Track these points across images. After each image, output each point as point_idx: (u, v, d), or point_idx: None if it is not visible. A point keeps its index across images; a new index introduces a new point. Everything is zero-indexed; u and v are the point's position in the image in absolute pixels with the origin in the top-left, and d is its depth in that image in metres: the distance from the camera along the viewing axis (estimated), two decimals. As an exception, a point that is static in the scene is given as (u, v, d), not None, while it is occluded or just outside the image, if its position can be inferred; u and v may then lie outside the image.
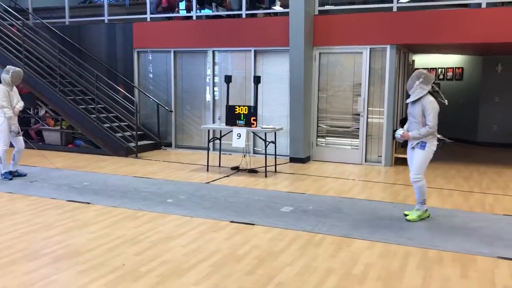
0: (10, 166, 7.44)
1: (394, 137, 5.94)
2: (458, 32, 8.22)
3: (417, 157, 5.44)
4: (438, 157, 9.67)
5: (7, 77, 7.18)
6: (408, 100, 5.45)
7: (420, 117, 5.35)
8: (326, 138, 9.54)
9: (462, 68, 12.12)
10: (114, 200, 6.28)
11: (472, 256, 4.45)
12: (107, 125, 10.08)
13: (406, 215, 5.63)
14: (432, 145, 5.44)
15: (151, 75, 11.06)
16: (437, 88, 5.52)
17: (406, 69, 10.45)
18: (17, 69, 7.38)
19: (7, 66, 7.48)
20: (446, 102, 5.53)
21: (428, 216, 5.62)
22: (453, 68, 12.31)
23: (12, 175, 7.43)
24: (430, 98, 5.35)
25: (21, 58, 10.38)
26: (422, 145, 5.40)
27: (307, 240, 4.84)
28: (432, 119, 5.28)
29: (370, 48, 8.93)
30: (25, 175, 7.56)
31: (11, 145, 7.42)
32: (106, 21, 11.24)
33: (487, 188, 7.25)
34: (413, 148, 5.50)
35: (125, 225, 5.26)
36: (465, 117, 11.73)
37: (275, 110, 9.73)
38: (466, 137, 11.71)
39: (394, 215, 5.76)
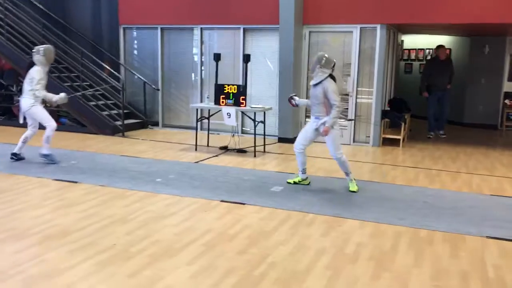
0: (17, 148, 7.05)
1: (292, 103, 6.33)
2: (448, 12, 8.18)
3: (330, 138, 5.74)
4: (426, 138, 9.77)
5: (40, 57, 6.75)
6: (312, 83, 5.79)
7: (322, 98, 5.68)
8: (315, 118, 9.49)
9: (450, 49, 12.12)
10: (102, 179, 6.19)
11: (462, 235, 4.50)
12: (93, 103, 9.90)
13: (289, 182, 6.15)
14: (337, 124, 5.79)
15: (137, 52, 10.86)
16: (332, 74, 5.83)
17: (395, 50, 10.43)
18: (48, 46, 6.98)
19: (35, 47, 7.00)
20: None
21: (308, 184, 6.14)
22: (436, 49, 12.28)
23: (16, 157, 7.06)
24: (330, 80, 5.69)
25: (3, 33, 10.09)
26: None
27: (299, 219, 4.84)
28: (336, 98, 5.64)
29: (360, 28, 8.86)
30: (23, 158, 7.14)
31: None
32: (91, -4, 10.95)
33: (474, 168, 7.32)
34: (317, 129, 5.82)
35: (114, 204, 5.20)
36: (452, 98, 11.77)
37: (264, 90, 9.65)
38: (453, 118, 11.79)
39: (384, 195, 5.79)
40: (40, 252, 3.89)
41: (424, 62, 12.73)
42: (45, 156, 6.95)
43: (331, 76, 5.75)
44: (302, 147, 6.01)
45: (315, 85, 5.73)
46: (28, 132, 7.04)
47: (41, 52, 6.76)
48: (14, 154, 7.06)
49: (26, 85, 6.81)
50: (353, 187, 5.92)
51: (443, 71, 10.02)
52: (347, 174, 5.95)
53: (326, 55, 5.75)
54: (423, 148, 8.83)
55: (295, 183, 6.14)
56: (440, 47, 10.20)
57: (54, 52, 7.01)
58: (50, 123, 6.90)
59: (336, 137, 5.77)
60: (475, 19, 8.10)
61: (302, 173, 6.13)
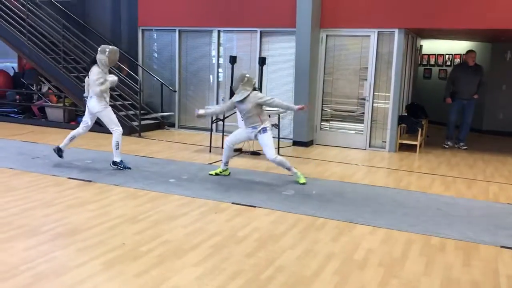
0: (63, 143, 6.84)
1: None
2: (470, 17, 8.05)
3: (268, 141, 6.24)
4: (442, 144, 9.62)
5: (104, 58, 6.43)
6: (236, 99, 6.24)
7: (254, 110, 6.18)
8: (330, 122, 9.46)
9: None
10: (115, 178, 6.24)
11: (475, 244, 4.41)
12: (111, 103, 9.95)
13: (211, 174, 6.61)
14: (269, 126, 6.31)
15: (155, 54, 10.95)
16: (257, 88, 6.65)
17: (413, 54, 10.31)
18: (113, 47, 6.59)
19: (102, 45, 6.61)
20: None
21: (229, 174, 6.63)
22: (460, 54, 12.12)
23: (59, 153, 6.84)
24: (255, 92, 6.26)
25: (24, 33, 10.27)
26: (264, 130, 6.23)
27: (309, 224, 4.80)
28: (268, 97, 6.29)
29: (378, 32, 8.78)
30: (61, 157, 6.87)
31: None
32: (111, -2, 11.10)
33: (491, 176, 7.18)
34: (256, 136, 6.32)
35: (126, 204, 5.23)
36: (472, 105, 11.59)
37: (279, 93, 9.62)
38: (472, 124, 11.59)
39: (397, 201, 5.71)
40: (50, 250, 3.93)
41: (444, 67, 12.58)
42: (117, 163, 6.70)
43: (255, 89, 6.32)
44: (232, 144, 6.56)
45: (241, 101, 6.20)
46: (79, 130, 6.81)
47: (106, 53, 6.43)
48: (58, 149, 6.83)
49: (92, 86, 6.50)
50: (301, 179, 6.31)
51: (471, 78, 9.25)
52: (289, 169, 6.33)
53: (247, 75, 6.26)
54: (440, 155, 8.70)
55: (216, 174, 6.61)
56: (469, 52, 9.43)
57: (118, 54, 6.66)
58: (117, 127, 6.67)
59: (270, 139, 6.26)
60: (496, 25, 7.96)
61: (225, 164, 6.61)
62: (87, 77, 6.72)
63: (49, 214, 4.81)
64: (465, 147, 9.48)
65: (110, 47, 6.58)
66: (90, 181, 6.10)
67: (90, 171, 6.56)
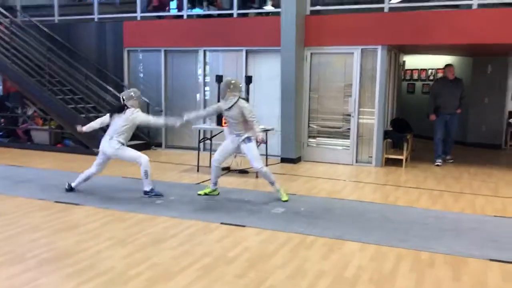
0: (76, 182, 6.60)
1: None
2: (449, 33, 8.22)
3: (252, 150, 6.26)
4: (429, 158, 9.71)
5: (135, 102, 6.39)
6: (225, 107, 6.25)
7: (240, 118, 6.20)
8: (317, 138, 9.51)
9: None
10: (103, 201, 6.19)
11: (464, 258, 4.43)
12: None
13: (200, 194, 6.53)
14: (253, 136, 6.29)
15: (141, 74, 10.96)
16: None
17: (397, 70, 10.46)
18: (133, 89, 6.67)
19: (125, 92, 6.67)
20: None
21: (218, 194, 6.57)
22: (443, 69, 12.32)
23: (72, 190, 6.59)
24: (242, 101, 6.27)
25: (8, 56, 10.23)
26: (249, 139, 6.25)
27: (299, 242, 4.80)
28: (252, 114, 6.21)
29: (361, 49, 8.91)
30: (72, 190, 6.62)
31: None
32: (96, 20, 11.13)
33: (477, 189, 7.26)
34: (238, 146, 6.34)
35: (114, 227, 5.18)
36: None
37: (266, 110, 9.67)
38: (456, 138, 11.73)
39: (386, 216, 5.74)
40: (36, 276, 3.86)
41: (427, 82, 12.76)
42: (149, 192, 6.43)
43: (242, 98, 6.37)
44: (219, 163, 6.48)
45: (229, 108, 6.22)
46: (92, 170, 6.54)
47: (134, 97, 6.38)
48: (70, 188, 6.59)
49: (117, 129, 6.34)
50: (284, 197, 6.29)
51: (452, 91, 9.19)
52: (272, 183, 6.34)
53: (233, 81, 6.33)
54: (426, 169, 8.78)
55: (205, 194, 6.54)
56: (447, 66, 9.45)
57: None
58: (141, 159, 6.40)
59: (256, 148, 6.30)
60: (475, 40, 8.13)
61: (214, 185, 6.55)
62: (109, 116, 6.49)
63: (36, 239, 4.75)
64: (451, 160, 9.50)
65: (133, 89, 6.63)
66: (77, 204, 6.04)
67: (78, 194, 6.49)
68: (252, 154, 6.27)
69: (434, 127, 9.44)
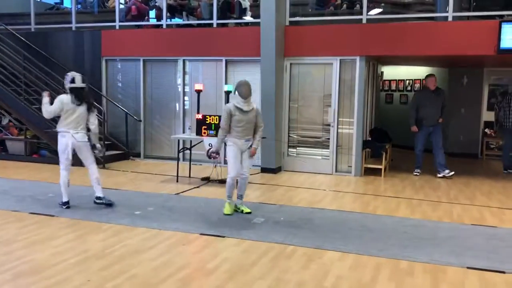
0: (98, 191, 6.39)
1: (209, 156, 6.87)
2: (425, 45, 8.36)
3: (250, 157, 6.21)
4: (407, 167, 9.81)
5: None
6: (245, 109, 6.01)
7: (255, 122, 6.14)
8: (297, 148, 9.54)
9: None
10: (79, 212, 6.07)
11: (442, 266, 4.47)
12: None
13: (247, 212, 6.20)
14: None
15: (119, 84, 10.86)
16: None
17: (375, 80, 10.59)
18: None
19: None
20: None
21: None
22: (420, 79, 12.53)
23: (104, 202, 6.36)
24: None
25: (-17, 65, 10.04)
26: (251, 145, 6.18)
27: (279, 252, 4.77)
28: (262, 120, 6.24)
29: (340, 59, 8.99)
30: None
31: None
32: (73, 29, 11.01)
33: (454, 198, 7.35)
34: (244, 151, 6.15)
35: (91, 238, 5.08)
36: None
37: (246, 120, 9.66)
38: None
39: (365, 225, 5.76)
40: (11, 290, 3.76)
41: (405, 92, 12.95)
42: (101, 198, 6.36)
43: None
44: (237, 176, 6.16)
45: (249, 111, 6.05)
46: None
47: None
48: (99, 198, 6.38)
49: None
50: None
51: (434, 102, 8.93)
52: (241, 196, 6.28)
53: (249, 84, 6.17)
54: (405, 178, 8.86)
55: (241, 211, 6.25)
56: (429, 76, 9.16)
57: None
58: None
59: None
60: (451, 51, 8.29)
61: (231, 197, 6.25)
62: None
63: (10, 251, 4.62)
64: (451, 173, 8.93)
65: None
66: (53, 215, 5.91)
67: (53, 206, 6.36)
68: (251, 162, 6.33)
69: (416, 139, 9.23)
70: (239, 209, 6.26)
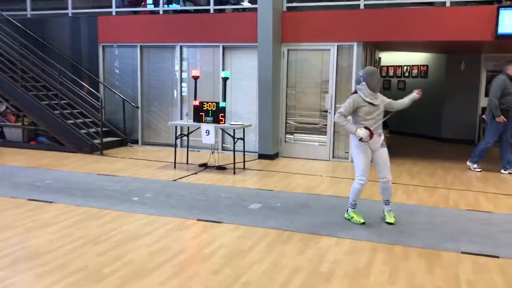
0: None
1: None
2: (423, 30, 8.33)
3: (387, 156, 5.28)
4: (404, 153, 9.85)
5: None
6: (376, 102, 5.07)
7: (383, 110, 5.19)
8: (295, 134, 9.55)
9: (427, 66, 12.33)
10: (77, 198, 6.10)
11: (437, 251, 4.51)
12: (71, 121, 9.81)
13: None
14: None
15: (117, 70, 10.82)
16: None
17: (373, 66, 10.53)
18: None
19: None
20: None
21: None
22: (418, 65, 12.52)
23: None
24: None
25: (-21, 51, 9.99)
26: (383, 144, 5.26)
27: (275, 237, 4.81)
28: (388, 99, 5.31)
29: (337, 45, 8.96)
30: None
31: None
32: (70, 14, 10.94)
33: (451, 184, 7.39)
34: (375, 148, 5.22)
35: (88, 224, 5.11)
36: (430, 114, 11.94)
37: (243, 107, 9.66)
38: (431, 133, 11.95)
39: (361, 210, 5.78)
40: (8, 275, 3.79)
41: (402, 78, 12.92)
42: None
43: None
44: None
45: (379, 104, 5.13)
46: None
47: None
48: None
49: None
50: (391, 218, 5.35)
51: None
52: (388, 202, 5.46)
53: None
54: (401, 164, 8.89)
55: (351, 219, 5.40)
56: (511, 62, 8.13)
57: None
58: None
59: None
60: (449, 37, 8.26)
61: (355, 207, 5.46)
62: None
63: (7, 238, 4.65)
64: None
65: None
66: (51, 202, 5.94)
67: (51, 192, 6.39)
68: (387, 160, 5.26)
69: (491, 130, 8.17)
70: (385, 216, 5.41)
